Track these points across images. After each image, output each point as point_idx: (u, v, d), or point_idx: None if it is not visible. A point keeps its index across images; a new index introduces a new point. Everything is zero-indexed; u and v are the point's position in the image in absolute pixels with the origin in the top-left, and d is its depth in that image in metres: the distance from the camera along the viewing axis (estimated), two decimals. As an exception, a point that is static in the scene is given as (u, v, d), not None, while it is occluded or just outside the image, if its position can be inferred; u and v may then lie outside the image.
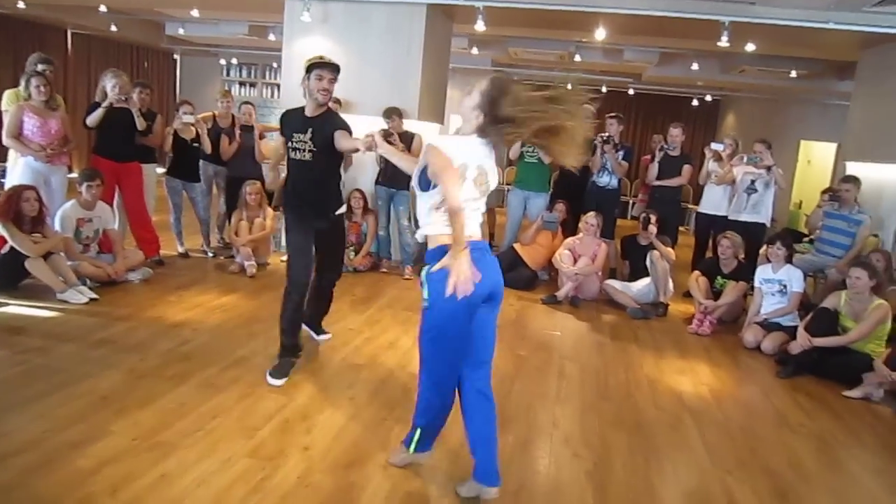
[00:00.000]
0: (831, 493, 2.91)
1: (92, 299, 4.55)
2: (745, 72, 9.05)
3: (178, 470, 2.55)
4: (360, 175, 6.54)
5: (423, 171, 2.39)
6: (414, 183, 2.47)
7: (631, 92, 12.29)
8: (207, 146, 6.06)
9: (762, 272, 5.16)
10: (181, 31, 10.50)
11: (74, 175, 5.59)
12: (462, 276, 2.26)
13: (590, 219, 5.90)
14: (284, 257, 6.29)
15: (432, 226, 2.41)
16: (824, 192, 6.25)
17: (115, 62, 10.95)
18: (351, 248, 6.22)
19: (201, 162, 6.25)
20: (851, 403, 4.00)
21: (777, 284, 5.03)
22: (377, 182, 6.23)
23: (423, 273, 2.40)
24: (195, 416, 3.00)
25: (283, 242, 6.68)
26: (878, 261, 4.95)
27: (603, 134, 6.41)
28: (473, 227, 2.43)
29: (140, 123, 5.35)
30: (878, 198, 6.08)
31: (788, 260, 5.13)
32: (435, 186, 2.36)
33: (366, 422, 3.13)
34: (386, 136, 6.06)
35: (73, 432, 2.76)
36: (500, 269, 2.49)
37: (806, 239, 6.48)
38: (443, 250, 2.34)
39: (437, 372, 2.51)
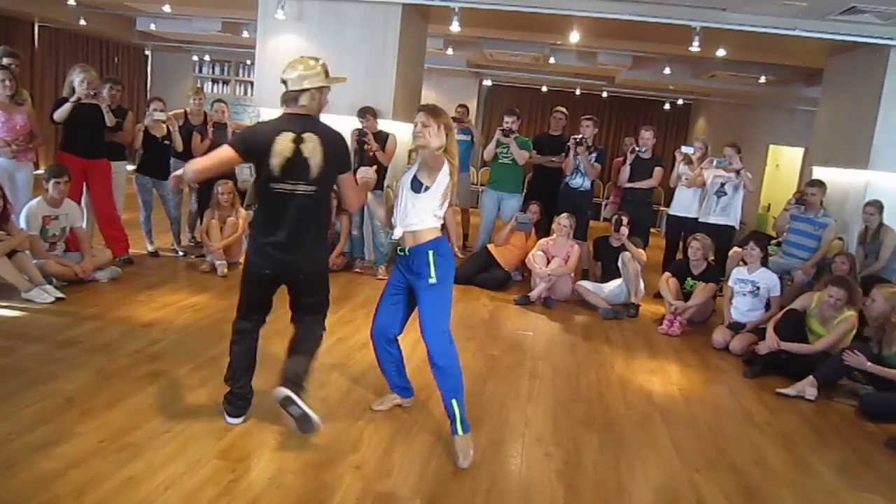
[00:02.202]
0: (795, 491, 2.97)
1: (58, 298, 4.45)
2: (715, 76, 9.20)
3: (145, 472, 2.51)
4: (334, 174, 6.50)
5: (416, 176, 2.91)
6: (407, 185, 2.94)
7: (604, 95, 12.40)
8: (179, 144, 5.98)
9: (737, 272, 5.26)
10: (153, 27, 10.33)
11: (41, 171, 5.48)
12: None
13: (563, 220, 5.95)
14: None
15: (425, 221, 2.90)
16: (794, 195, 6.38)
17: (84, 57, 10.75)
18: (324, 247, 6.17)
19: (172, 160, 6.16)
20: (815, 403, 4.09)
21: (750, 285, 5.13)
22: (351, 182, 6.19)
23: (431, 256, 2.88)
24: (164, 418, 2.96)
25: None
26: (842, 263, 5.07)
27: (576, 136, 6.46)
28: None
29: (109, 119, 5.26)
30: (843, 201, 6.23)
31: (763, 262, 5.23)
32: (427, 189, 2.87)
33: (338, 422, 3.12)
34: (360, 135, 6.11)
35: (38, 434, 2.71)
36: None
37: (773, 241, 6.61)
38: (441, 240, 2.93)
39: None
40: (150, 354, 3.70)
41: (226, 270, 5.63)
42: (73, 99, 5.05)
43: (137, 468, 2.53)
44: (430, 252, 2.89)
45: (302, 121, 2.80)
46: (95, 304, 4.52)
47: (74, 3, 8.85)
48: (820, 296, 4.52)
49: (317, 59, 2.84)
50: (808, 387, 4.12)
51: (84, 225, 5.24)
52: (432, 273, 2.88)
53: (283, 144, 2.72)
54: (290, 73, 2.77)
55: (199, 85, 11.78)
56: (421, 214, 2.90)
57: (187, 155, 6.14)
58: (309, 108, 2.82)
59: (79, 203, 5.21)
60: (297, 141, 2.74)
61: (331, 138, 2.84)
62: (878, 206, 5.62)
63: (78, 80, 5.08)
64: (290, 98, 2.80)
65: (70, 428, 2.78)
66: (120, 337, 3.92)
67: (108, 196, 5.49)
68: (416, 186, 2.90)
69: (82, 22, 9.50)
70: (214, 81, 12.74)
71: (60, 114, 5.08)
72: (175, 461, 2.61)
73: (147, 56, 12.78)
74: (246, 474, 2.58)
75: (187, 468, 2.57)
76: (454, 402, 2.88)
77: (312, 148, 2.76)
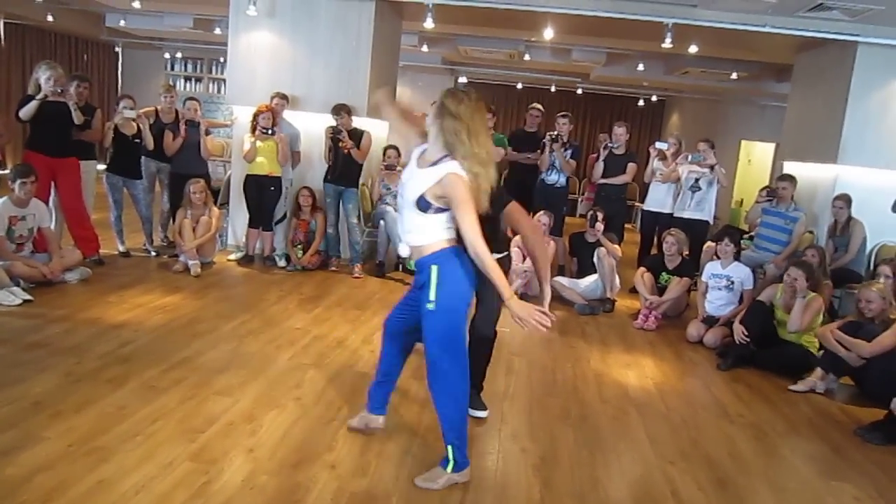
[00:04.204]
0: (768, 481, 3.01)
1: (26, 301, 4.36)
2: (688, 73, 9.28)
3: (116, 476, 2.47)
4: (309, 172, 6.46)
5: (423, 195, 2.47)
6: (411, 203, 2.50)
7: (579, 91, 12.47)
8: (150, 142, 5.89)
9: (711, 267, 5.32)
10: (122, 23, 10.15)
11: (6, 171, 5.36)
12: (530, 317, 2.41)
13: (542, 218, 5.95)
14: (231, 256, 6.25)
15: (428, 235, 2.53)
16: (763, 189, 6.47)
17: (52, 54, 10.54)
18: (299, 246, 6.14)
19: (143, 158, 6.08)
20: (787, 394, 4.15)
21: (724, 280, 5.19)
22: (325, 180, 6.16)
23: (434, 275, 2.50)
24: (135, 420, 2.91)
25: (230, 240, 6.60)
26: (812, 256, 5.15)
27: (552, 132, 6.48)
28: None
29: (77, 117, 5.16)
30: (813, 196, 6.33)
31: (737, 256, 5.30)
32: (438, 210, 2.48)
33: (313, 422, 3.09)
34: (335, 132, 6.06)
35: (3, 439, 2.64)
36: None
37: (746, 236, 6.69)
38: (448, 252, 2.52)
39: (462, 363, 2.60)
40: (120, 356, 3.63)
41: (199, 270, 5.56)
42: (39, 96, 4.95)
43: (107, 472, 2.49)
44: (435, 267, 2.52)
45: None
46: (64, 305, 4.43)
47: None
48: (783, 286, 4.60)
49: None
50: (818, 381, 4.16)
51: (52, 225, 5.15)
52: (431, 295, 2.51)
53: None
54: None
55: (170, 82, 11.60)
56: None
57: (158, 153, 6.07)
58: None
59: (46, 203, 5.10)
60: None
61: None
62: (846, 199, 5.72)
63: (44, 78, 4.98)
64: None
65: (37, 432, 2.72)
66: (89, 339, 3.85)
67: (76, 195, 5.38)
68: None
69: (50, 18, 9.32)
70: (187, 79, 12.56)
71: (26, 111, 4.97)
72: (146, 464, 2.56)
73: (117, 53, 12.56)
74: (219, 476, 2.54)
75: (159, 471, 2.53)
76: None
77: None
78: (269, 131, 5.81)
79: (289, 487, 2.53)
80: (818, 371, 4.19)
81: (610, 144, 6.68)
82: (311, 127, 6.36)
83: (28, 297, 4.41)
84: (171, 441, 2.77)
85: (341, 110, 5.92)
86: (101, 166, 6.09)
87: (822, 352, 4.32)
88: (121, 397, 3.13)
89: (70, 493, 2.33)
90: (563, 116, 6.67)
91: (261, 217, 6.11)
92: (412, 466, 2.78)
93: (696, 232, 6.26)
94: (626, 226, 7.68)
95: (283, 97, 6.13)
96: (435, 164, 2.48)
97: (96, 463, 2.54)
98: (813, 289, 4.54)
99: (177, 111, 6.26)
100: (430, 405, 3.38)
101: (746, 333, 4.51)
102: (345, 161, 5.96)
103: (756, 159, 11.24)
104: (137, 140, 5.86)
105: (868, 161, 5.95)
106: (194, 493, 2.42)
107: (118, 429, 2.82)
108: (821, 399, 4.11)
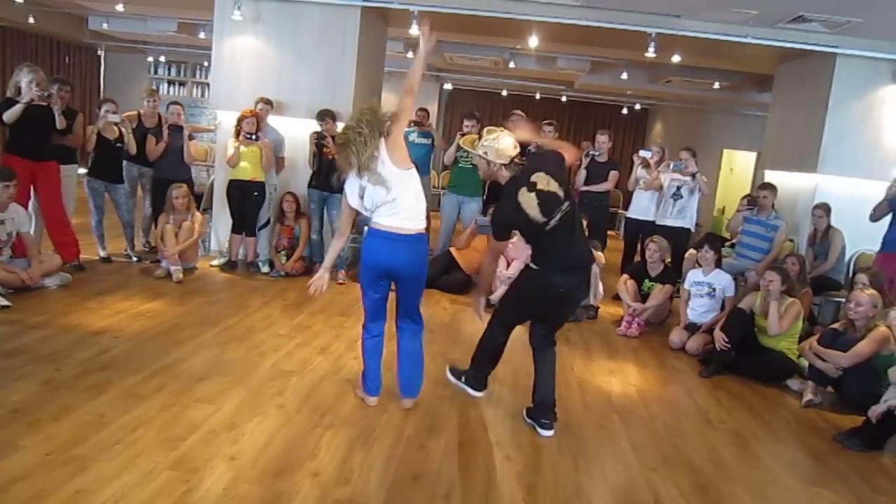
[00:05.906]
0: (749, 487, 3.03)
1: (4, 306, 4.29)
2: (671, 82, 9.38)
3: (94, 485, 2.43)
4: (293, 178, 6.44)
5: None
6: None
7: (564, 99, 12.55)
8: (133, 147, 5.85)
9: (692, 275, 5.35)
10: (105, 26, 10.07)
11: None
12: None
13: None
14: (214, 261, 6.20)
15: None
16: (744, 197, 6.54)
17: (34, 57, 10.43)
18: (283, 252, 6.11)
19: (125, 163, 6.02)
20: (768, 400, 4.19)
21: (706, 287, 5.23)
22: (310, 185, 6.14)
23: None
24: (114, 428, 2.88)
25: (213, 246, 6.55)
26: (793, 264, 5.20)
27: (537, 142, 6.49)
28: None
29: (60, 122, 5.11)
30: (793, 204, 6.41)
31: (718, 263, 5.34)
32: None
33: (296, 429, 3.07)
34: (319, 138, 6.05)
35: (-21, 448, 2.60)
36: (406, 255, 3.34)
37: (728, 243, 6.76)
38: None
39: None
40: (100, 363, 3.59)
41: (181, 276, 5.51)
42: (25, 100, 4.89)
43: (86, 481, 2.45)
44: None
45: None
46: (43, 311, 4.37)
47: (22, 1, 8.57)
48: (763, 293, 4.65)
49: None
50: (813, 396, 4.15)
51: (31, 230, 5.08)
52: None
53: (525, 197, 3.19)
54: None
55: (153, 86, 11.54)
56: None
57: (141, 158, 6.02)
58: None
59: (26, 207, 5.04)
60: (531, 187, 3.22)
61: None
62: (825, 208, 5.80)
63: (26, 81, 4.93)
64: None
65: (14, 441, 2.68)
66: (69, 345, 3.80)
67: (56, 200, 5.32)
68: None
69: (31, 20, 9.22)
70: (170, 83, 12.49)
71: (10, 115, 4.90)
72: (126, 473, 2.53)
73: (100, 56, 12.46)
74: (200, 485, 2.52)
75: (139, 480, 2.50)
76: None
77: (546, 181, 3.25)
78: (253, 136, 5.79)
79: (271, 496, 2.51)
80: (810, 384, 4.22)
81: (592, 152, 6.72)
82: (295, 132, 6.34)
83: (6, 302, 4.34)
84: (152, 449, 2.73)
85: (326, 116, 5.91)
86: (82, 170, 6.03)
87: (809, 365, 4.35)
88: (100, 405, 3.09)
89: (48, 503, 2.30)
90: (549, 125, 6.70)
91: (244, 222, 6.07)
92: (396, 474, 2.77)
93: (678, 239, 6.31)
94: (610, 233, 7.72)
95: (268, 102, 6.11)
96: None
97: (75, 472, 2.50)
98: (789, 294, 4.59)
99: (160, 115, 6.22)
100: (414, 413, 3.40)
101: (727, 340, 4.55)
102: (329, 167, 5.93)
103: (738, 168, 11.38)
104: (119, 144, 5.81)
105: (847, 171, 6.04)
106: (175, 501, 2.39)
107: (97, 437, 2.79)
108: (797, 403, 4.16)
